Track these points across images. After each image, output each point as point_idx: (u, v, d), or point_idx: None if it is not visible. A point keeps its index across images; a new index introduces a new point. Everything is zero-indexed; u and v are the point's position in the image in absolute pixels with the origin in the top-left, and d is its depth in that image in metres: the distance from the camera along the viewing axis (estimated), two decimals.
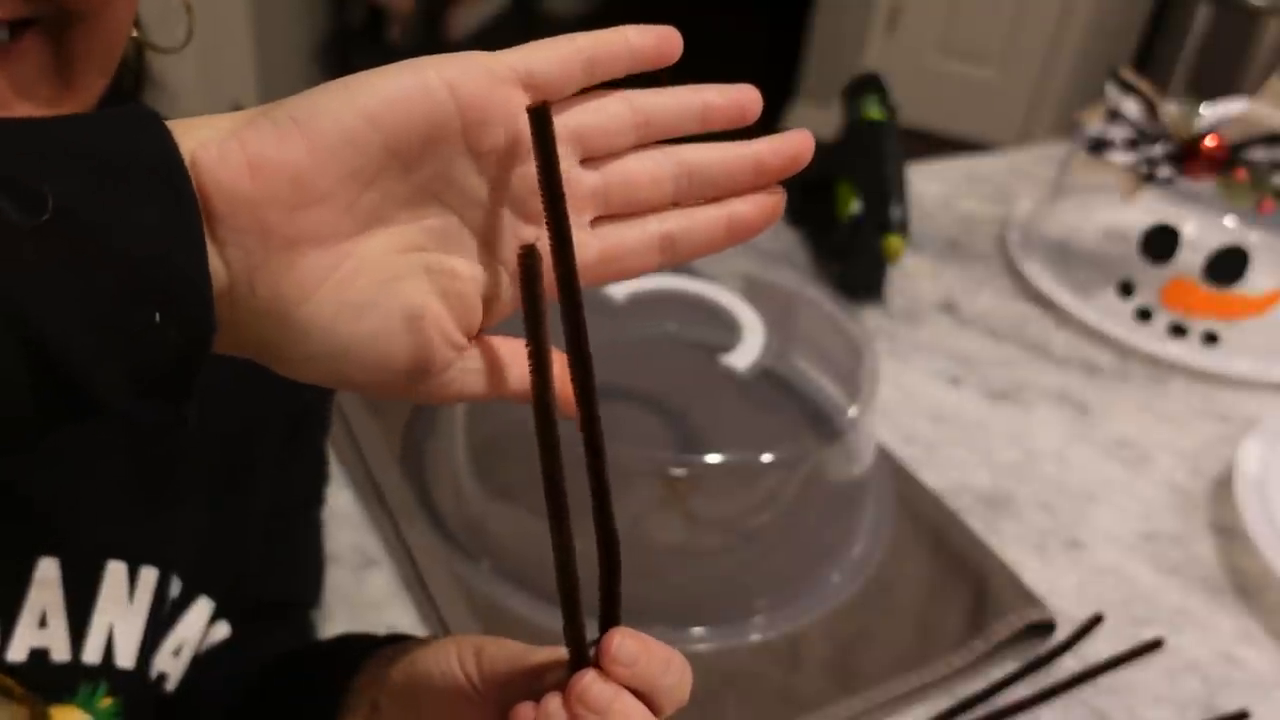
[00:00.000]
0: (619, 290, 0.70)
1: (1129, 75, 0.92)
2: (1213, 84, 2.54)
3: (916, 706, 0.59)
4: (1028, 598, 0.64)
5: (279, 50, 2.52)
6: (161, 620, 0.44)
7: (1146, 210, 0.90)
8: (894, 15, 3.21)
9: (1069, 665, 0.63)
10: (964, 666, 0.60)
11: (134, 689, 0.43)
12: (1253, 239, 0.87)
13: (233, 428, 0.47)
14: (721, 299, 0.68)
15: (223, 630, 0.49)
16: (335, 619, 0.61)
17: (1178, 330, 0.91)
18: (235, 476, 0.48)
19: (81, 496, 0.42)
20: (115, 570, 0.42)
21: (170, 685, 0.46)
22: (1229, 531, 0.74)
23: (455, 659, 0.37)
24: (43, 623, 0.40)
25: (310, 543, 0.57)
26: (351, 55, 2.82)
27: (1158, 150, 0.90)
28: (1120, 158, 0.90)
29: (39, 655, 0.40)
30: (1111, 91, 0.92)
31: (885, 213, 0.89)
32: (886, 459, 0.74)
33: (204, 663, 0.48)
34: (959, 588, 0.65)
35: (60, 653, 0.41)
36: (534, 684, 0.34)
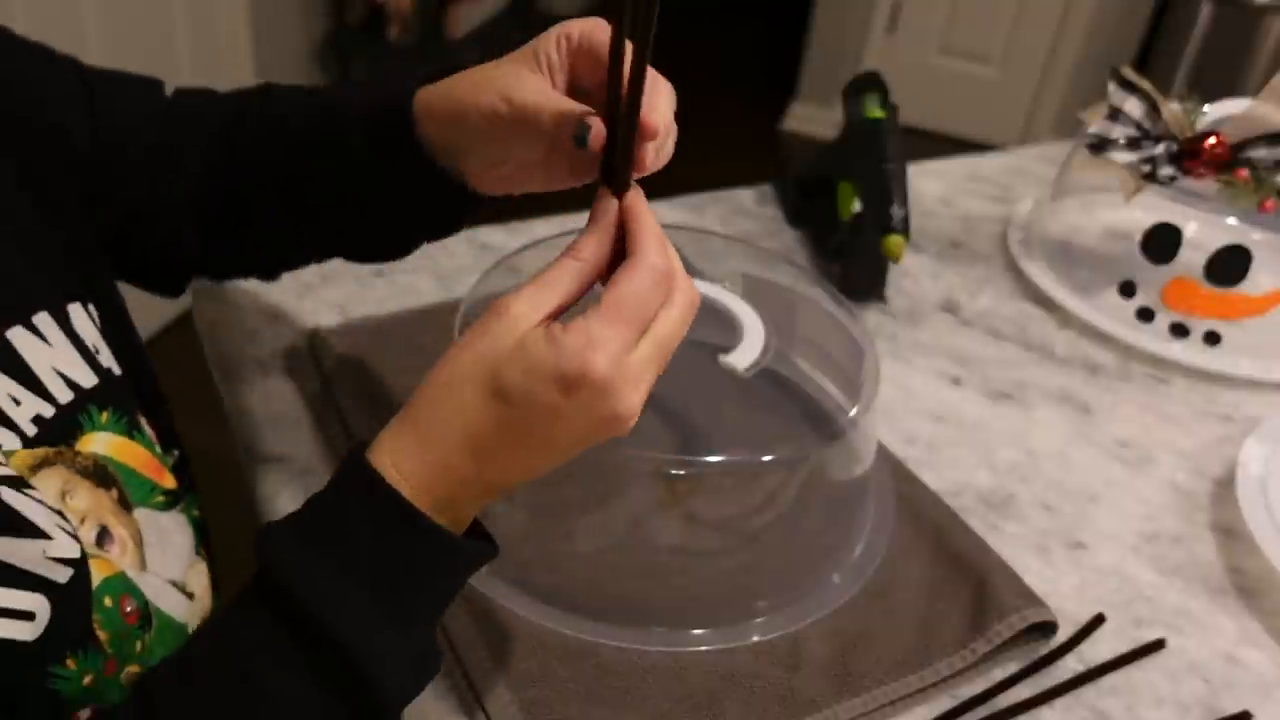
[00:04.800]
0: None
1: (1131, 74, 0.92)
2: (1214, 83, 2.54)
3: (917, 707, 0.59)
4: (1029, 598, 0.63)
5: (278, 48, 2.51)
6: (78, 336, 0.52)
7: (1148, 210, 0.90)
8: (894, 15, 3.21)
9: (1070, 666, 0.63)
10: (965, 667, 0.60)
11: (110, 390, 0.53)
12: (1255, 238, 0.87)
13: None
14: (721, 299, 0.68)
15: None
16: None
17: (1179, 330, 0.91)
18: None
19: None
20: (17, 333, 0.48)
21: (117, 369, 0.55)
22: (1231, 532, 0.73)
23: (490, 96, 0.49)
24: (16, 402, 0.47)
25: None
26: (351, 54, 2.82)
27: (1159, 150, 0.90)
28: (1122, 157, 0.90)
29: (37, 420, 0.48)
30: (1113, 90, 0.92)
31: (886, 212, 0.89)
32: (887, 459, 0.74)
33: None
34: (960, 588, 0.64)
35: (46, 410, 0.48)
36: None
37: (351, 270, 0.89)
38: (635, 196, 0.44)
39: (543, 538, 0.64)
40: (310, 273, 0.88)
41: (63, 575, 0.45)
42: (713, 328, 0.67)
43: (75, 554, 0.45)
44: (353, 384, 0.75)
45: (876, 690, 0.58)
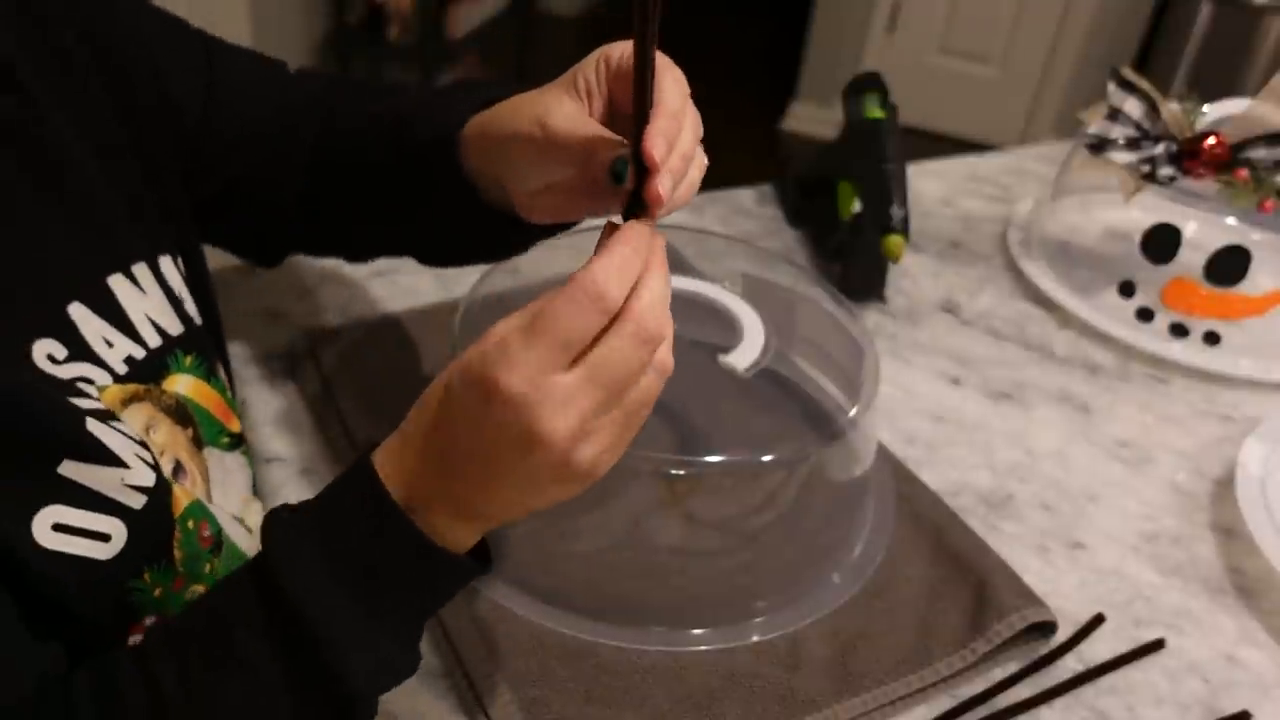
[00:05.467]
0: None
1: (1130, 74, 0.92)
2: (1214, 83, 2.54)
3: (917, 707, 0.59)
4: (1029, 598, 0.63)
5: (278, 47, 2.51)
6: (169, 286, 0.55)
7: (1147, 210, 0.90)
8: (894, 15, 3.21)
9: (1070, 666, 0.63)
10: (965, 667, 0.60)
11: (193, 337, 0.56)
12: (1254, 238, 0.87)
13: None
14: (721, 299, 0.68)
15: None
16: None
17: (1179, 330, 0.91)
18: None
19: (52, 256, 0.49)
20: (117, 280, 0.52)
21: (198, 320, 0.58)
22: (1231, 532, 0.73)
23: (527, 122, 0.49)
24: (109, 344, 0.50)
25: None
26: (351, 54, 2.82)
27: (1159, 150, 0.90)
28: (1121, 157, 0.90)
29: (128, 361, 0.51)
30: (1113, 90, 0.92)
31: (886, 212, 0.89)
32: (886, 459, 0.74)
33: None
34: (960, 588, 0.64)
35: (137, 353, 0.52)
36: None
37: (351, 270, 0.89)
38: (632, 224, 0.43)
39: (542, 538, 0.64)
40: (310, 273, 0.88)
41: (138, 502, 0.47)
42: (713, 328, 0.67)
43: (150, 482, 0.48)
44: (353, 384, 0.75)
45: (876, 690, 0.58)
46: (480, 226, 0.59)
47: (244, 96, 0.63)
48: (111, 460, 0.46)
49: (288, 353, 0.80)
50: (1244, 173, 0.87)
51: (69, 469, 0.44)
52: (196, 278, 0.60)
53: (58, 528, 0.44)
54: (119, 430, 0.48)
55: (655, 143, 0.42)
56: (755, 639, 0.61)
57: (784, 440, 0.64)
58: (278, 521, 0.44)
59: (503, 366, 0.39)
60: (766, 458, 0.60)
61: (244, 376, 0.78)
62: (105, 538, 0.46)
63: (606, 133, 0.47)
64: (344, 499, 0.44)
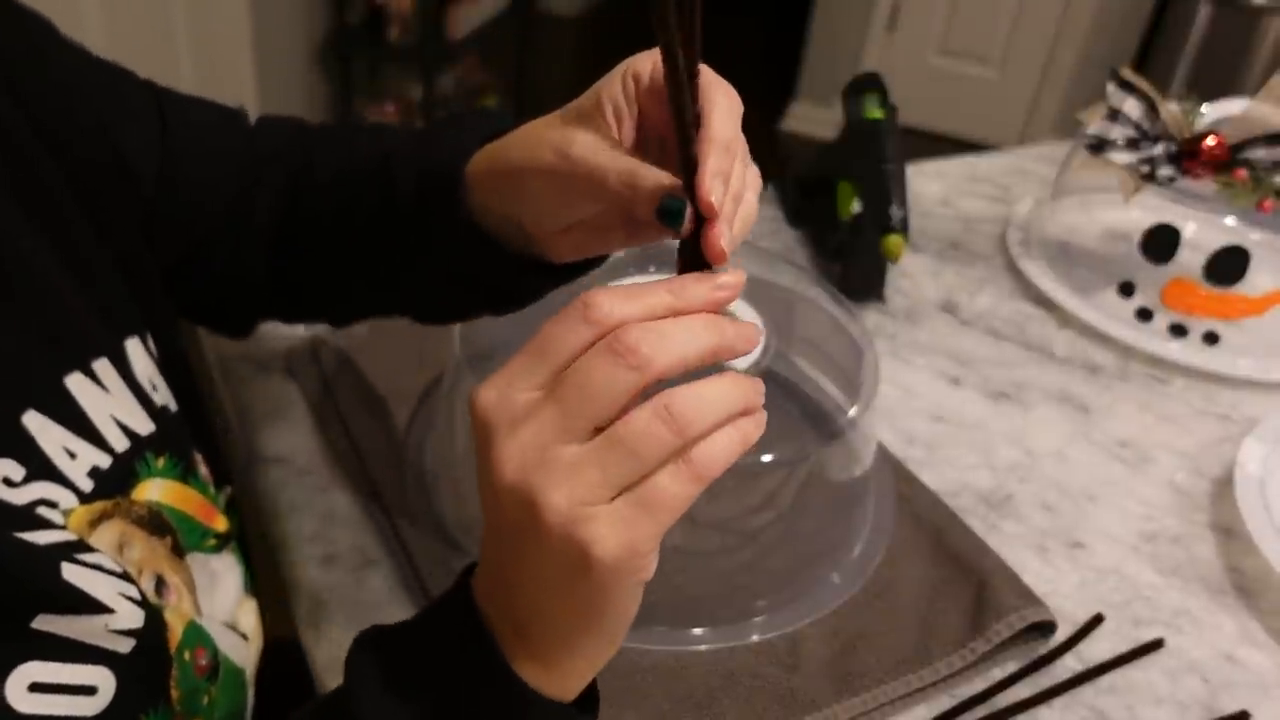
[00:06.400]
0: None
1: (1129, 75, 0.92)
2: (1213, 83, 2.55)
3: (917, 707, 0.59)
4: (1028, 598, 0.64)
5: (278, 48, 2.51)
6: (135, 379, 0.49)
7: (1147, 210, 0.90)
8: (894, 15, 3.21)
9: (1070, 665, 0.63)
10: (964, 667, 0.60)
11: (166, 434, 0.50)
12: (1253, 238, 0.87)
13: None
14: None
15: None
16: (333, 619, 0.61)
17: (1178, 330, 0.91)
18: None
19: (4, 359, 0.44)
20: (76, 380, 0.46)
21: (173, 405, 0.52)
22: (1230, 531, 0.73)
23: (547, 153, 0.43)
24: (72, 455, 0.45)
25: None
26: (351, 54, 2.82)
27: (1158, 150, 0.90)
28: (1121, 157, 0.90)
29: (93, 473, 0.45)
30: (1112, 91, 0.92)
31: (885, 212, 0.89)
32: (886, 459, 0.74)
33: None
34: (959, 588, 0.65)
35: (103, 461, 0.46)
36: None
37: None
38: (690, 276, 0.37)
39: None
40: None
41: (125, 646, 0.43)
42: None
43: (139, 623, 0.43)
44: (353, 384, 0.75)
45: (876, 690, 0.58)
46: (489, 273, 0.52)
47: (202, 147, 0.57)
48: (93, 608, 0.41)
49: (288, 353, 0.80)
50: (1243, 173, 0.87)
51: (44, 622, 0.39)
52: (170, 354, 0.54)
53: (35, 688, 0.39)
54: (99, 568, 0.42)
55: (713, 186, 0.36)
56: (755, 639, 0.61)
57: (784, 440, 0.64)
58: (362, 650, 0.40)
59: (483, 382, 0.35)
60: (766, 458, 0.60)
61: (244, 376, 0.78)
62: (90, 690, 0.41)
63: (640, 162, 0.40)
64: (436, 616, 0.40)
